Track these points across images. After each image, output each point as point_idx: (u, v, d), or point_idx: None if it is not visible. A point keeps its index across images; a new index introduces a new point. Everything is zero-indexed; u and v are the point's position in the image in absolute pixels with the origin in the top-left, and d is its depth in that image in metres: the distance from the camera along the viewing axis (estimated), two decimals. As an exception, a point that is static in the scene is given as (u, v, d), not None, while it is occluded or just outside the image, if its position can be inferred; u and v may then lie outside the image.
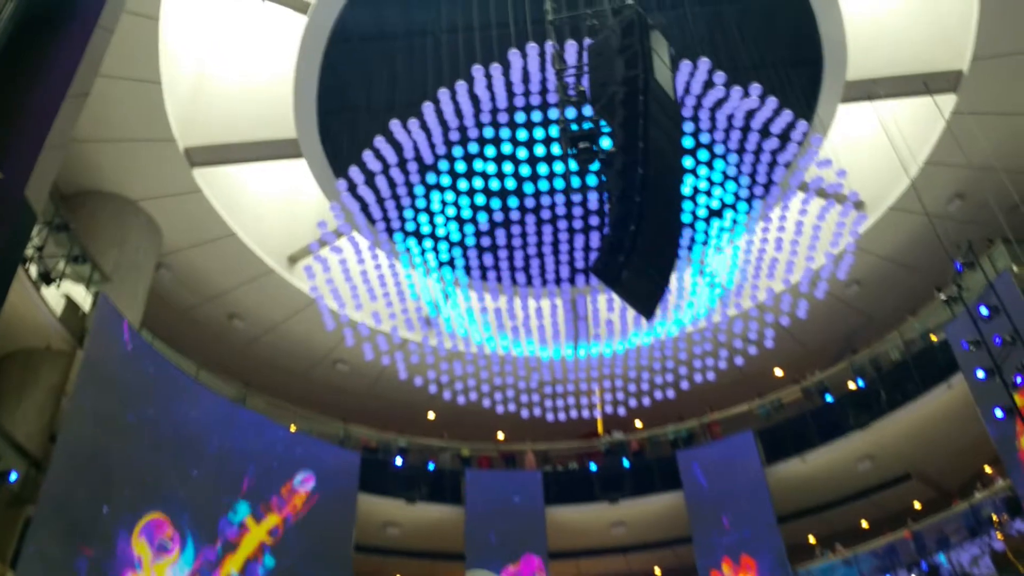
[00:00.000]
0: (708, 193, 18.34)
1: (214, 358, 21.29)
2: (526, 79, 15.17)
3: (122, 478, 15.63)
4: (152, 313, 18.84)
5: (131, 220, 17.95)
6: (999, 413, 15.80)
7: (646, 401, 22.33)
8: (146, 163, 17.23)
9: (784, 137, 16.89)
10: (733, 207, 18.62)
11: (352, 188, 17.07)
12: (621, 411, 22.58)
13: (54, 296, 14.79)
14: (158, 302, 19.53)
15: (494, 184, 17.96)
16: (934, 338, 19.82)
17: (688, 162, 17.45)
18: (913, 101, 17.95)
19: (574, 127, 9.44)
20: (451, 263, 19.79)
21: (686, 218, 18.72)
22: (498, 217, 18.74)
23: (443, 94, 15.47)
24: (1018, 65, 16.58)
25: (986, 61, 16.50)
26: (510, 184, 18.03)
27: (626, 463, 23.84)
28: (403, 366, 21.14)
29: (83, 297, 15.78)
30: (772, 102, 16.24)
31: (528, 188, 18.13)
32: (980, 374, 16.24)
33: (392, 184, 17.33)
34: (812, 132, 17.45)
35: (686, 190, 18.01)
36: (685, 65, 15.54)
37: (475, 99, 15.56)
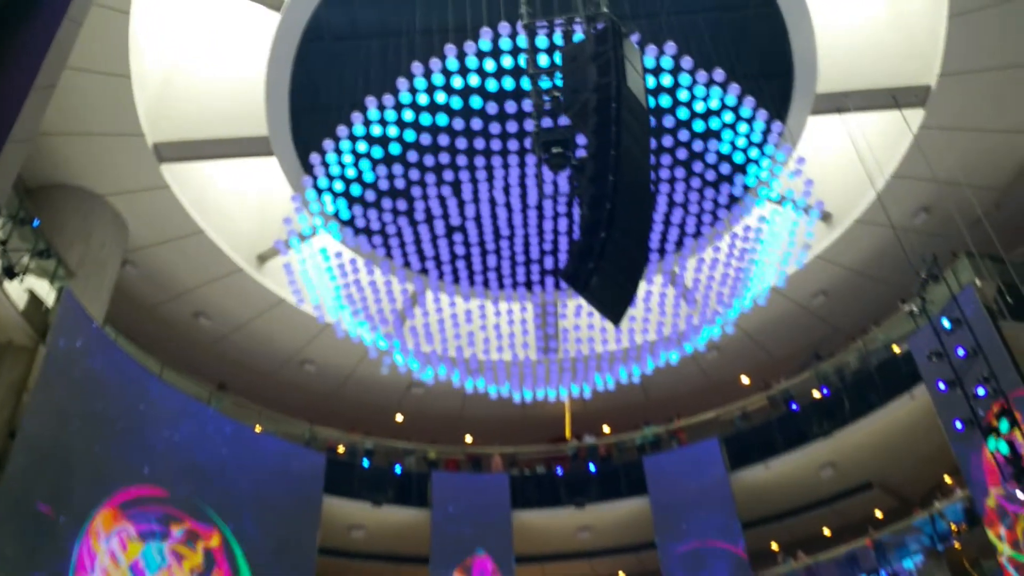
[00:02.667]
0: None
1: (180, 356, 21.03)
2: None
3: (83, 475, 15.40)
4: (117, 310, 18.60)
5: (97, 215, 17.72)
6: (959, 425, 16.04)
7: (611, 387, 22.22)
8: (114, 158, 17.03)
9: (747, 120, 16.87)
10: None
11: (325, 164, 16.79)
12: (588, 396, 22.44)
13: (17, 291, 14.53)
14: (123, 299, 19.27)
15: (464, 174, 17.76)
16: (897, 349, 20.09)
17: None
18: (882, 115, 18.22)
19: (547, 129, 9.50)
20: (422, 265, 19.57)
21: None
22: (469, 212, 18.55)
23: (417, 68, 15.34)
24: (984, 82, 16.92)
25: (953, 77, 16.82)
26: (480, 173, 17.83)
27: (593, 468, 23.89)
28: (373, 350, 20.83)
29: (47, 292, 15.53)
30: (735, 88, 16.25)
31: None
32: (941, 385, 16.46)
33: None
34: (782, 142, 17.58)
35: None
36: (651, 50, 15.52)
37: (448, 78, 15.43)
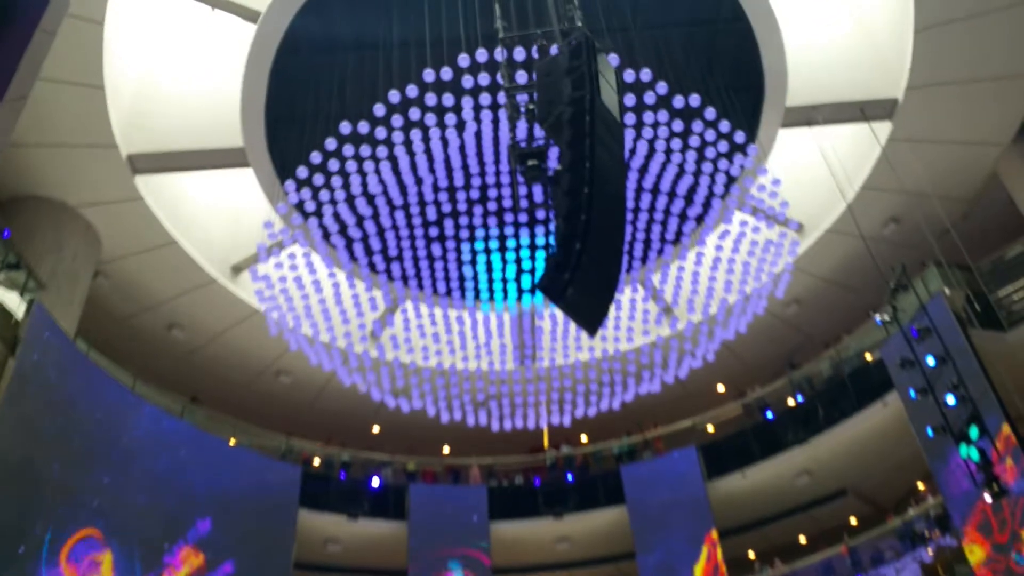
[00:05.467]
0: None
1: (152, 369, 20.87)
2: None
3: (53, 491, 15.19)
4: (89, 322, 18.40)
5: (69, 227, 17.54)
6: (931, 432, 16.24)
7: (591, 412, 22.37)
8: (87, 169, 16.89)
9: (730, 144, 17.04)
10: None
11: (300, 187, 16.70)
12: (567, 420, 22.59)
13: (-14, 303, 14.38)
14: (95, 311, 19.06)
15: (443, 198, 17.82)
16: (869, 357, 20.34)
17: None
18: (850, 127, 18.51)
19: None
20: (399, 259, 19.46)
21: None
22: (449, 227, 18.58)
23: (393, 96, 15.33)
24: (950, 95, 17.22)
25: (920, 90, 17.11)
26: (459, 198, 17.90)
27: (570, 478, 23.92)
28: (345, 372, 20.81)
29: (17, 305, 15.33)
30: (711, 112, 16.42)
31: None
32: (912, 393, 16.67)
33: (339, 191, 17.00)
34: (749, 144, 17.75)
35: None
36: (629, 76, 15.66)
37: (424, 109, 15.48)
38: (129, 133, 16.89)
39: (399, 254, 19.05)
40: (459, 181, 17.49)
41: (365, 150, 16.14)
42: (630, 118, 16.15)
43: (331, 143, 16.05)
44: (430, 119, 15.74)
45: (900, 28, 16.50)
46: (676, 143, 16.90)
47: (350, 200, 16.96)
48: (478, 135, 16.34)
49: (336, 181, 16.61)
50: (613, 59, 13.92)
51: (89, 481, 16.20)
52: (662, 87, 15.73)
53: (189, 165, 18.18)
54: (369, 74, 16.60)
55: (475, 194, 17.90)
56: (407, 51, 16.12)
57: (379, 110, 15.45)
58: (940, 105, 17.40)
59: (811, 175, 19.19)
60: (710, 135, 16.69)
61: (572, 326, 20.77)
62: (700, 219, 18.91)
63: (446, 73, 14.94)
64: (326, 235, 17.75)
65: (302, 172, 16.54)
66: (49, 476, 15.21)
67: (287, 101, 17.62)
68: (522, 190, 16.93)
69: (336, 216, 17.36)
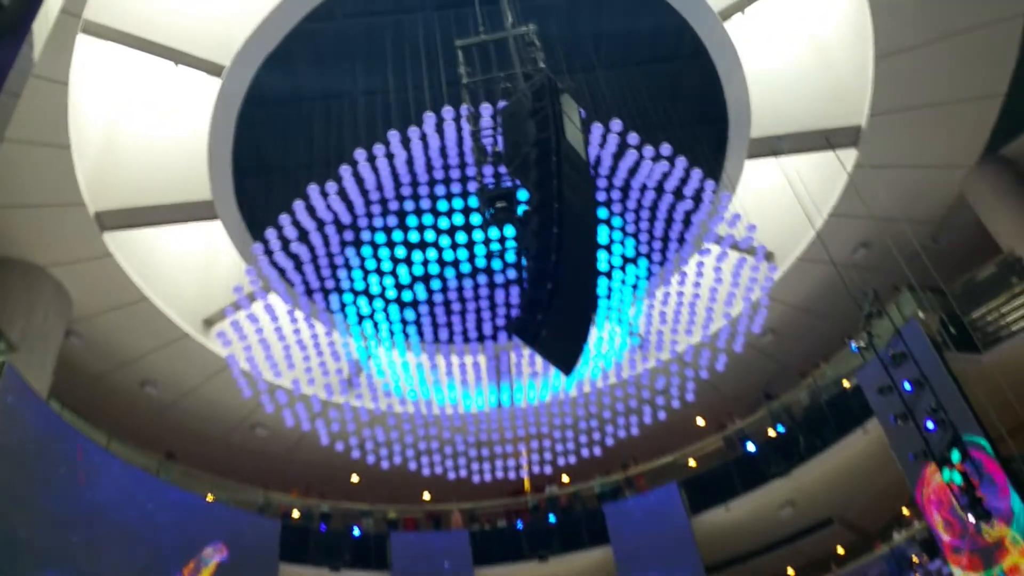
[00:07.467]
0: (622, 243, 18.54)
1: (127, 427, 20.48)
2: (441, 133, 15.21)
3: (28, 554, 14.82)
4: (61, 382, 18.09)
5: (39, 287, 17.33)
6: (913, 457, 16.21)
7: (572, 459, 22.31)
8: (55, 228, 16.74)
9: (696, 199, 17.25)
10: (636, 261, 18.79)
11: (268, 251, 16.64)
12: (547, 469, 22.49)
13: (-47, 368, 14.10)
14: (67, 370, 18.76)
15: (413, 236, 17.81)
16: (847, 384, 20.36)
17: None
18: (816, 155, 18.73)
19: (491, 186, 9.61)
20: (372, 317, 19.31)
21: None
22: (418, 271, 18.52)
23: (359, 154, 15.36)
24: (913, 120, 17.54)
25: (883, 117, 17.40)
26: (430, 237, 17.88)
27: (552, 519, 23.60)
28: (324, 431, 20.64)
29: (-14, 368, 15.08)
30: (682, 161, 16.60)
31: (446, 243, 17.98)
32: (891, 419, 16.66)
33: (315, 245, 16.98)
34: (720, 188, 17.97)
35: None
36: (598, 128, 15.81)
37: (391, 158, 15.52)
38: (96, 190, 16.77)
39: (371, 313, 18.94)
40: (430, 237, 17.51)
41: (335, 200, 16.10)
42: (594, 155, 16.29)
43: (299, 205, 16.02)
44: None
45: (861, 56, 16.81)
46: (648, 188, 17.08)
47: (324, 237, 16.89)
48: (442, 150, 16.30)
49: (307, 234, 16.58)
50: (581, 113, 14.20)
51: (62, 542, 15.79)
52: (633, 138, 15.92)
53: (158, 220, 18.06)
54: (336, 124, 16.65)
55: (448, 255, 17.93)
56: (373, 98, 16.19)
57: (345, 171, 15.50)
58: (904, 130, 17.69)
59: (779, 204, 19.36)
60: (678, 173, 16.84)
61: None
62: (663, 261, 19.10)
63: (413, 132, 15.03)
64: (299, 267, 17.60)
65: (271, 234, 16.47)
66: (24, 538, 14.85)
67: (254, 152, 17.61)
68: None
69: (313, 260, 17.31)
